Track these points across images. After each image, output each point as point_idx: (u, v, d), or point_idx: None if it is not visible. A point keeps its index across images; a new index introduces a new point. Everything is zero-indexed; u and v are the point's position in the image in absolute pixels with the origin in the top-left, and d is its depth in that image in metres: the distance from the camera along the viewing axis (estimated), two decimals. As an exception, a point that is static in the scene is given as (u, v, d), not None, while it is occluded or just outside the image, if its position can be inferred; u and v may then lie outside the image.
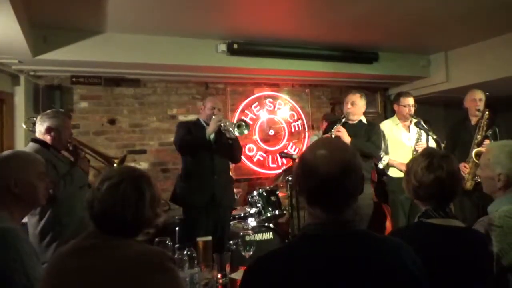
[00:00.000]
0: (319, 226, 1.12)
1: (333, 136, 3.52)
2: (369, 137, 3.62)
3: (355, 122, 3.70)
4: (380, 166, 3.90)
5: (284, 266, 1.08)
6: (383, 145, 3.87)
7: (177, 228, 3.60)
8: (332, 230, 1.11)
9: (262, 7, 3.66)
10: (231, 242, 2.91)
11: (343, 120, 3.63)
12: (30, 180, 1.69)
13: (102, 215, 1.30)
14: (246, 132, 3.38)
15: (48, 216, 2.50)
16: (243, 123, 3.34)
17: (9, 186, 1.62)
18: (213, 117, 3.34)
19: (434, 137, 3.59)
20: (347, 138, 3.47)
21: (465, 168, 3.65)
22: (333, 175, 1.09)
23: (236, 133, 3.29)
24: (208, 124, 3.38)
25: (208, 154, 3.37)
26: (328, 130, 3.74)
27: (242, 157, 5.30)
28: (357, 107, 3.67)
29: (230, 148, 3.44)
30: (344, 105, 3.78)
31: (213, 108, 3.44)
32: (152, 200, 1.36)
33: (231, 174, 4.62)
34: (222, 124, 3.29)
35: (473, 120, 3.88)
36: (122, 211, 1.29)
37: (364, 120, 3.76)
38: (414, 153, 3.72)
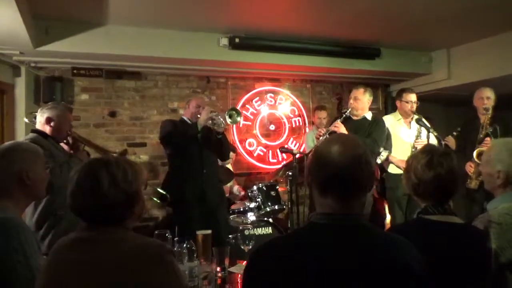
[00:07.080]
0: (326, 216, 1.17)
1: (330, 130, 3.52)
2: (370, 133, 3.56)
3: (359, 118, 3.66)
4: (378, 161, 3.89)
5: (289, 252, 1.12)
6: (385, 142, 3.85)
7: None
8: (339, 221, 1.16)
9: (265, 2, 3.65)
10: (230, 236, 2.92)
11: (345, 115, 3.60)
12: (39, 172, 1.71)
13: (77, 207, 1.31)
14: (238, 119, 3.32)
15: (43, 205, 2.51)
16: (234, 112, 3.27)
17: (22, 177, 1.62)
18: (205, 107, 3.31)
19: (435, 134, 3.57)
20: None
21: (470, 168, 3.57)
22: (344, 166, 1.16)
23: (229, 122, 3.22)
24: (193, 123, 3.35)
25: (196, 148, 3.34)
26: (331, 124, 3.74)
27: (242, 151, 5.32)
28: (360, 102, 3.63)
29: (219, 144, 3.40)
30: (348, 100, 3.76)
31: (198, 107, 3.41)
32: (114, 181, 1.29)
33: (231, 168, 4.61)
34: (212, 117, 3.23)
35: (482, 119, 3.75)
36: (88, 198, 1.28)
37: (369, 117, 3.69)
38: (413, 150, 3.69)
